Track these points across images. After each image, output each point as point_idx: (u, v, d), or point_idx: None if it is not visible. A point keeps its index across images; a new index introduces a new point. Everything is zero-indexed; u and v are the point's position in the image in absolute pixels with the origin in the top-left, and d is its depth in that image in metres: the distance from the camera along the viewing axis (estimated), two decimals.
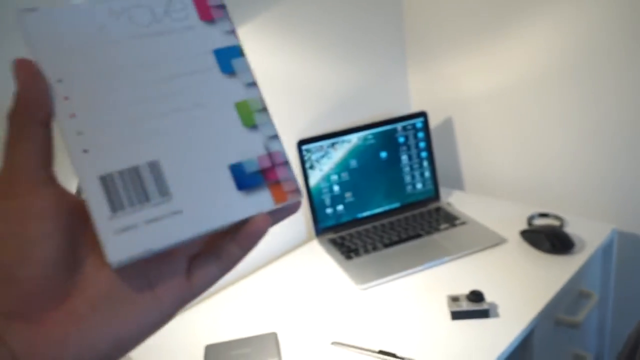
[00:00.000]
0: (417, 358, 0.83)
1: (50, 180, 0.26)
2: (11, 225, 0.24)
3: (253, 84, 0.30)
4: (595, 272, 1.15)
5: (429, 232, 1.19)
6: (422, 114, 1.30)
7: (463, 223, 1.21)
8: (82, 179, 0.26)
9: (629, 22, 1.03)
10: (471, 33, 1.29)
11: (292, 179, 0.30)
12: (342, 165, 1.24)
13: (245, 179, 0.29)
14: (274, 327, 0.96)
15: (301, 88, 1.22)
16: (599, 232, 1.11)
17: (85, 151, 0.26)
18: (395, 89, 1.46)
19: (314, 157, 1.21)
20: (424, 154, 1.31)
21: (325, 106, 1.29)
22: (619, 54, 1.06)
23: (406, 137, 1.29)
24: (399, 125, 1.28)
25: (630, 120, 1.09)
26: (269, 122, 0.30)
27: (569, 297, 1.04)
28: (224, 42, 0.31)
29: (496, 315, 0.90)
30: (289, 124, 1.22)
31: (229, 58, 0.30)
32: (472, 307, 0.89)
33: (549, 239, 1.05)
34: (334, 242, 1.21)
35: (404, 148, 1.29)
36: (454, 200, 1.36)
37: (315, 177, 1.21)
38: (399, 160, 1.29)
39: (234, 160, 0.29)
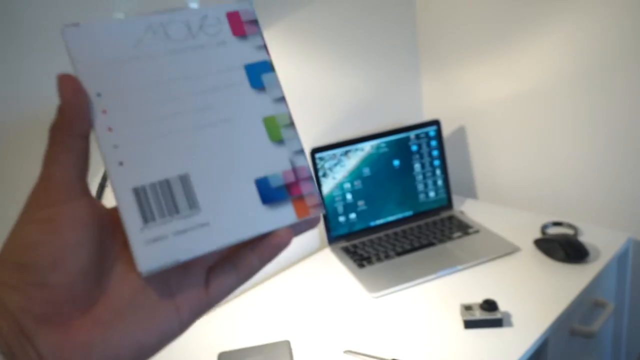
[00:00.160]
0: None
1: (84, 191, 0.27)
2: (46, 233, 0.25)
3: (282, 99, 0.31)
4: (610, 281, 1.14)
5: (441, 241, 1.19)
6: (435, 122, 1.30)
7: (476, 231, 1.20)
8: (117, 190, 0.27)
9: None
10: (484, 41, 1.29)
11: (315, 193, 0.30)
12: (355, 174, 1.24)
13: (270, 193, 0.29)
14: (287, 334, 0.96)
15: (315, 96, 1.23)
16: (614, 240, 1.10)
17: (120, 164, 0.27)
18: (408, 97, 1.47)
19: (327, 165, 1.22)
20: (436, 162, 1.31)
21: (339, 114, 1.30)
22: (632, 61, 1.06)
23: (419, 146, 1.29)
24: (412, 134, 1.28)
25: None
26: (295, 137, 0.31)
27: (584, 307, 1.03)
28: (255, 57, 0.31)
29: (510, 324, 0.89)
30: (303, 132, 1.23)
31: (260, 73, 0.31)
32: (486, 316, 0.89)
33: (563, 247, 1.04)
34: (346, 250, 1.21)
35: (417, 156, 1.29)
36: (466, 208, 1.35)
37: (328, 186, 1.22)
38: (411, 168, 1.29)
39: (260, 174, 0.29)
